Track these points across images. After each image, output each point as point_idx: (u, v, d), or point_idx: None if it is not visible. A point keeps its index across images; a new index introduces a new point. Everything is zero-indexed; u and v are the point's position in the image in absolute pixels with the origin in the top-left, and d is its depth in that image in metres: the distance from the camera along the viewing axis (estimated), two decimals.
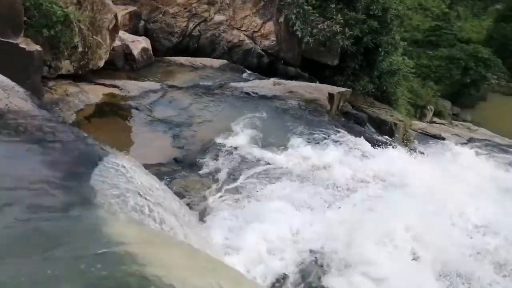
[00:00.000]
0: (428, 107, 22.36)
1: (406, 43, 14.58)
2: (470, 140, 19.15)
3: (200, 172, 5.37)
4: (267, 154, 5.89)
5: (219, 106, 7.33)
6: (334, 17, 10.77)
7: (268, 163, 5.66)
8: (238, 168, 5.53)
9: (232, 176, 5.35)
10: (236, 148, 5.96)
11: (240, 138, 6.22)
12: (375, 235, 4.29)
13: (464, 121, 23.07)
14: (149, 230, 2.56)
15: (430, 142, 16.34)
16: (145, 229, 2.47)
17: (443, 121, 22.24)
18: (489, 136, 20.49)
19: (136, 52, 8.88)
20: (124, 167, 2.95)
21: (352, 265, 3.98)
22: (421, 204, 4.97)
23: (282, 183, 5.24)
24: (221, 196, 4.94)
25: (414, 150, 8.55)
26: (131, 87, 7.49)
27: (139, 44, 9.14)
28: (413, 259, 4.32)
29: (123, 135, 6.28)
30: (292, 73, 11.10)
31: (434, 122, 21.83)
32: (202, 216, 4.50)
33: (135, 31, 10.35)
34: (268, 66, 10.99)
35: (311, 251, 4.18)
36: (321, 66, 11.79)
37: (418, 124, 19.53)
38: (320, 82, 10.88)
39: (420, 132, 18.42)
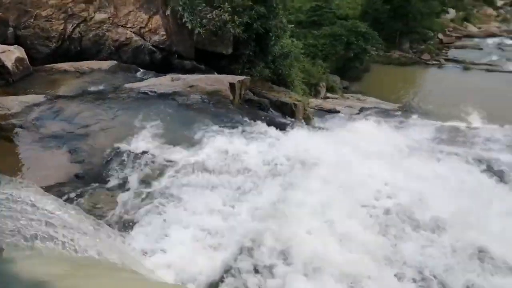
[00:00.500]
0: (321, 84, 23.69)
1: (293, 25, 15.15)
2: (362, 110, 20.83)
3: (108, 185, 4.97)
4: (176, 153, 5.67)
5: (116, 111, 6.84)
6: (222, 5, 10.71)
7: (179, 162, 5.45)
8: (149, 173, 5.25)
9: (144, 182, 5.06)
10: (143, 152, 5.63)
11: (146, 141, 5.90)
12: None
13: (354, 92, 24.92)
14: (62, 258, 2.30)
15: (327, 117, 17.46)
16: (56, 260, 2.21)
17: (336, 96, 23.81)
18: (376, 103, 22.49)
19: (9, 63, 7.89)
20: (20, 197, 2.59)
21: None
22: (333, 179, 5.22)
23: (198, 178, 5.09)
24: (135, 206, 4.65)
25: (315, 127, 8.96)
26: (11, 103, 6.66)
27: (11, 55, 8.13)
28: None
29: (12, 159, 5.54)
30: (188, 66, 10.83)
31: (328, 97, 23.26)
32: (120, 229, 4.19)
33: (3, 40, 9.17)
34: (162, 62, 10.57)
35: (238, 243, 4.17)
36: (216, 56, 11.70)
37: (314, 102, 20.64)
38: (218, 73, 10.79)
39: (317, 109, 19.53)
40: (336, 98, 23.44)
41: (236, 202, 4.81)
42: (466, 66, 28.84)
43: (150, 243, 4.04)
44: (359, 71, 27.55)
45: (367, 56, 27.24)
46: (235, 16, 10.57)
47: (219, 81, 7.85)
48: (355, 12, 32.73)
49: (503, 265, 4.39)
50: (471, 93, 23.80)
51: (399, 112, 21.17)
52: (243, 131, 6.33)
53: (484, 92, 24.01)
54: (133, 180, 5.07)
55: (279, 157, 5.74)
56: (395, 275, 4.24)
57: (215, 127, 6.34)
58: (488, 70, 28.20)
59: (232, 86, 7.74)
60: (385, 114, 20.43)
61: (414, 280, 4.24)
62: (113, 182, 5.03)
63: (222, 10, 10.65)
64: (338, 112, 19.26)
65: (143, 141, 5.87)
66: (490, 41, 34.97)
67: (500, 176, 10.02)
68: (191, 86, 7.51)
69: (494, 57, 30.74)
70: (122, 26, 10.32)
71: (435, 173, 7.28)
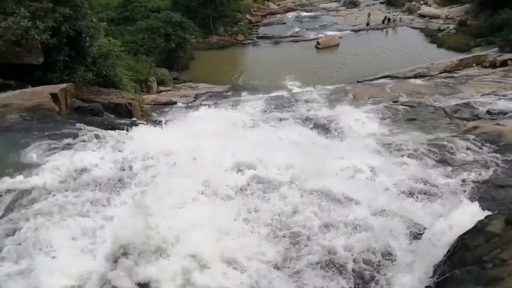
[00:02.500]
0: (151, 79, 23.23)
1: (105, 23, 14.36)
2: (197, 96, 21.30)
3: None
4: (11, 184, 4.90)
5: None
6: (17, 11, 9.48)
7: (17, 191, 4.75)
8: None
9: None
10: None
11: None
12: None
13: (185, 81, 25.21)
14: None
15: (165, 109, 17.34)
16: None
17: (168, 88, 23.71)
18: (208, 88, 23.27)
19: None
20: None
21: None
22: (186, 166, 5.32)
23: (46, 207, 4.53)
24: None
25: (156, 121, 8.85)
26: None
27: None
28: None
29: None
30: None
31: (161, 91, 23.01)
32: None
33: None
34: None
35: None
36: (27, 68, 10.36)
37: (149, 97, 20.20)
38: (34, 86, 9.63)
39: (153, 104, 19.20)
40: (170, 90, 23.36)
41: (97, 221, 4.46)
42: (276, 40, 32.03)
43: None
44: (185, 60, 27.93)
45: (188, 44, 27.74)
46: (37, 21, 9.50)
47: (38, 94, 7.00)
48: (166, 3, 32.76)
49: (343, 198, 5.22)
50: (285, 63, 26.64)
51: (230, 92, 22.38)
52: (81, 141, 5.83)
53: (295, 61, 27.15)
54: None
55: (127, 159, 5.52)
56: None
57: (46, 145, 5.66)
58: (294, 41, 31.89)
59: (54, 96, 7.00)
60: (219, 96, 21.34)
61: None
62: None
63: (18, 16, 9.43)
64: (175, 103, 19.30)
65: None
66: (289, 15, 39.48)
67: (324, 129, 11.70)
68: (4, 106, 6.51)
69: (296, 29, 34.90)
70: None
71: (273, 138, 8.07)
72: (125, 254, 4.06)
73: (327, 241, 4.27)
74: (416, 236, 4.47)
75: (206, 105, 18.33)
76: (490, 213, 4.10)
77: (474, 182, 7.23)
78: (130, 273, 3.87)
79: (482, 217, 3.92)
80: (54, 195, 4.79)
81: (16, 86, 9.46)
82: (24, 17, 9.48)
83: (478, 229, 3.57)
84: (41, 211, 4.53)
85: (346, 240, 4.30)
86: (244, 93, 21.05)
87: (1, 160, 5.40)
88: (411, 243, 4.38)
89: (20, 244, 4.08)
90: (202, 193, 4.93)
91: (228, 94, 21.85)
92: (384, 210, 4.90)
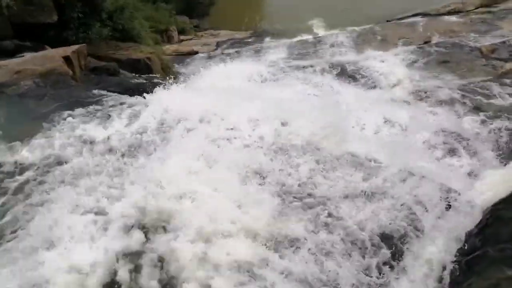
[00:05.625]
0: (171, 28, 22.67)
1: None
2: (218, 44, 20.75)
3: None
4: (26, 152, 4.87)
5: None
6: None
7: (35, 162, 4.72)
8: None
9: None
10: None
11: None
12: None
13: (206, 29, 24.51)
14: None
15: (187, 60, 17.01)
16: None
17: (190, 37, 23.14)
18: (230, 35, 22.57)
19: None
20: None
21: None
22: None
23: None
24: None
25: (175, 78, 8.57)
26: None
27: None
28: None
29: None
30: (10, 47, 9.20)
31: (182, 40, 22.52)
32: None
33: None
34: None
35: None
36: (41, 27, 10.16)
37: (170, 48, 19.82)
38: (50, 45, 9.45)
39: (175, 55, 18.87)
40: (191, 39, 22.84)
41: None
42: None
43: None
44: (205, 6, 26.94)
45: None
46: None
47: (50, 58, 6.84)
48: None
49: (367, 160, 4.94)
50: (310, 3, 25.25)
51: (253, 38, 21.65)
52: (96, 109, 5.67)
53: (320, 2, 25.66)
54: None
55: (145, 129, 5.35)
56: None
57: (64, 113, 5.54)
58: None
59: (67, 59, 6.82)
60: (241, 43, 20.71)
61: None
62: None
63: None
64: (197, 52, 18.89)
65: None
66: None
67: (350, 76, 11.16)
68: (17, 72, 6.41)
69: None
70: None
71: (294, 95, 7.72)
72: None
73: (346, 214, 4.06)
74: (446, 202, 4.21)
75: (227, 53, 17.93)
76: None
77: (508, 131, 6.76)
78: None
79: None
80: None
81: (32, 47, 9.34)
82: None
83: None
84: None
85: (368, 212, 4.08)
86: (267, 39, 20.30)
87: (18, 128, 5.35)
88: (440, 211, 4.12)
89: None
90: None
91: (250, 40, 21.13)
92: (412, 173, 4.61)
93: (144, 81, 7.56)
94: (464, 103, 8.28)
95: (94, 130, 5.23)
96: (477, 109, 7.98)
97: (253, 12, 26.14)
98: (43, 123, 5.34)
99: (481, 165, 5.34)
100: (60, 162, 4.67)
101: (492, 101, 8.39)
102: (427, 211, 4.03)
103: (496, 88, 8.96)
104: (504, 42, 13.06)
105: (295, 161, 4.84)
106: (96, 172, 4.60)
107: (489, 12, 19.53)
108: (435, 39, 15.48)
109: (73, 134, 5.06)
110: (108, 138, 5.16)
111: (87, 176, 4.53)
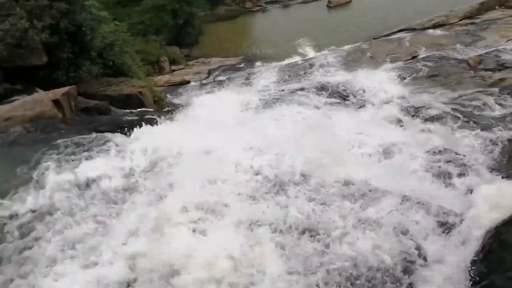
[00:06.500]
0: (162, 59, 22.88)
1: (106, 13, 13.88)
2: (210, 72, 20.86)
3: None
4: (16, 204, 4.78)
5: None
6: (13, 12, 9.21)
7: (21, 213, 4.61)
8: None
9: None
10: None
11: None
12: None
13: (197, 58, 24.71)
14: None
15: (180, 90, 17.07)
16: None
17: (181, 66, 23.31)
18: (221, 62, 22.73)
19: None
20: None
21: None
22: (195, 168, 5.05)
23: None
24: None
25: (167, 111, 8.51)
26: None
27: None
28: None
29: None
30: (0, 92, 9.23)
31: (174, 70, 22.68)
32: None
33: None
34: None
35: None
36: (32, 69, 10.20)
37: (162, 79, 19.91)
38: (40, 86, 9.47)
39: (167, 85, 18.95)
40: (182, 68, 22.99)
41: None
42: (285, 4, 30.75)
43: None
44: (195, 35, 27.26)
45: (196, 19, 27.06)
46: (35, 21, 9.21)
47: (39, 102, 6.80)
48: None
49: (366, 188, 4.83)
50: (297, 27, 25.63)
51: (243, 64, 21.82)
52: (84, 151, 5.56)
53: (307, 23, 26.09)
54: None
55: (134, 167, 5.26)
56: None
57: (53, 157, 5.45)
58: (304, 2, 30.53)
59: (57, 102, 6.79)
60: (232, 69, 20.85)
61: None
62: None
63: (15, 17, 9.16)
64: (189, 82, 18.96)
65: None
66: None
67: (342, 96, 11.19)
68: (7, 119, 6.36)
69: None
70: None
71: (288, 119, 7.70)
72: None
73: (348, 245, 3.95)
74: (447, 226, 4.13)
75: (219, 81, 18.02)
76: None
77: (502, 141, 6.74)
78: None
79: None
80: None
81: (23, 90, 9.35)
82: (21, 17, 9.21)
83: None
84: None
85: (370, 241, 3.97)
86: (257, 63, 20.48)
87: (7, 178, 5.25)
88: (441, 236, 4.03)
89: None
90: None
91: (241, 66, 21.27)
92: (411, 198, 4.53)
93: (136, 117, 7.53)
94: (456, 116, 8.30)
95: (82, 173, 5.12)
96: (469, 122, 7.99)
97: (242, 37, 26.49)
98: (32, 171, 5.25)
99: (478, 181, 5.27)
100: (49, 211, 4.56)
101: (483, 113, 8.43)
102: (427, 237, 3.94)
103: (486, 99, 9.01)
104: (490, 52, 13.23)
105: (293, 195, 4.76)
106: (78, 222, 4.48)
107: (472, 23, 19.88)
108: (422, 54, 15.64)
109: (62, 180, 4.96)
110: (94, 181, 5.05)
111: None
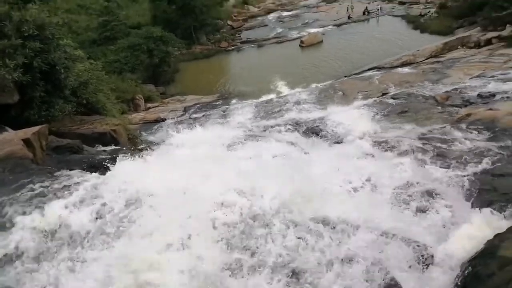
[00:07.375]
0: (137, 97, 22.90)
1: (81, 52, 13.87)
2: (186, 110, 20.94)
3: None
4: None
5: None
6: None
7: None
8: None
9: None
10: None
11: None
12: None
13: (172, 95, 24.88)
14: None
15: (155, 128, 16.99)
16: None
17: (156, 104, 23.34)
18: (196, 100, 22.93)
19: None
20: None
21: None
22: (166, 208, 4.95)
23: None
24: None
25: (141, 149, 8.41)
26: None
27: None
28: None
29: None
30: None
31: (149, 108, 22.65)
32: None
33: None
34: None
35: None
36: (3, 107, 9.98)
37: (136, 116, 19.86)
38: (11, 126, 9.26)
39: (142, 123, 18.87)
40: (158, 106, 23.01)
41: None
42: (259, 43, 31.75)
43: None
44: (170, 73, 27.62)
45: (171, 57, 27.49)
46: (7, 60, 9.11)
47: (9, 142, 6.61)
48: (145, 19, 32.50)
49: (340, 223, 4.86)
50: (271, 66, 26.37)
51: (219, 101, 22.05)
52: (53, 192, 5.40)
53: (281, 62, 26.87)
54: None
55: (104, 208, 5.11)
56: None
57: (20, 201, 5.21)
58: (278, 42, 31.61)
59: (27, 141, 6.62)
60: (208, 107, 20.99)
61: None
62: None
63: None
64: (164, 119, 18.92)
65: None
66: (271, 16, 39.22)
67: (316, 133, 11.39)
68: None
69: (279, 30, 34.62)
70: None
71: (264, 156, 7.74)
72: None
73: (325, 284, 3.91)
74: (422, 260, 4.15)
75: (195, 118, 18.07)
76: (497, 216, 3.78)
77: (472, 174, 6.93)
78: None
79: (488, 229, 3.62)
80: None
81: None
82: None
83: (489, 252, 3.24)
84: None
85: (345, 279, 3.94)
86: (233, 101, 20.77)
87: None
88: (418, 271, 4.04)
89: None
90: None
91: (217, 103, 21.50)
92: (386, 232, 4.56)
93: (109, 156, 7.37)
94: (427, 151, 8.52)
95: (50, 216, 4.91)
96: (440, 156, 8.21)
97: (218, 76, 26.94)
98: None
99: (451, 214, 5.36)
100: (18, 256, 4.32)
101: (453, 147, 8.69)
102: (403, 271, 3.94)
103: (455, 133, 9.32)
104: (456, 89, 13.87)
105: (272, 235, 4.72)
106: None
107: (438, 61, 20.98)
108: (392, 91, 16.28)
109: (29, 225, 4.74)
110: (61, 226, 4.86)
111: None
